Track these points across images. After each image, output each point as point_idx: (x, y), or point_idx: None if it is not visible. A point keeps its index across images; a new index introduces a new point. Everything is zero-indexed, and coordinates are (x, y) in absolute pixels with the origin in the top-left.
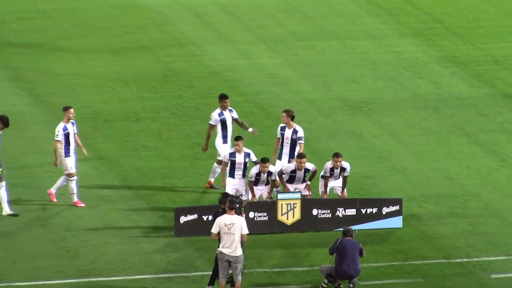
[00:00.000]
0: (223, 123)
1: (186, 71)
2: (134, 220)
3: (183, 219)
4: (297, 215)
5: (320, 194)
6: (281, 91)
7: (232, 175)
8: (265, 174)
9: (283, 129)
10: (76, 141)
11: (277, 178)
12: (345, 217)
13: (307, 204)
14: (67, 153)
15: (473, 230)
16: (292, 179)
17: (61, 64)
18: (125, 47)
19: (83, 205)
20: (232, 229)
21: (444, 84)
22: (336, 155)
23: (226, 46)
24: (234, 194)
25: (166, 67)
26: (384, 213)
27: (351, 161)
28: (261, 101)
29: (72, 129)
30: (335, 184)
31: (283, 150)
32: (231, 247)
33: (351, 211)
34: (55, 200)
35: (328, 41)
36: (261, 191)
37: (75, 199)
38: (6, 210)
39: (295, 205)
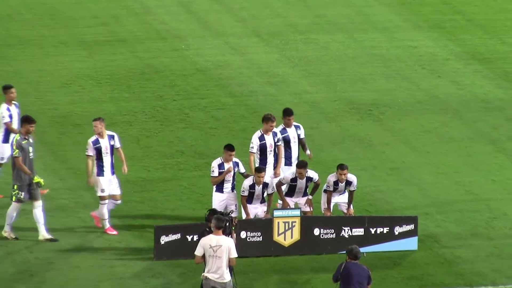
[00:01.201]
0: (286, 142)
1: (168, 68)
2: (108, 240)
3: (164, 239)
4: (296, 235)
5: (323, 211)
6: (278, 91)
7: (219, 189)
8: (260, 186)
9: (262, 138)
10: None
11: (275, 191)
12: (351, 237)
13: (307, 222)
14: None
15: (499, 253)
16: (291, 190)
17: (23, 60)
18: (97, 40)
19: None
20: (218, 251)
21: (466, 85)
22: (341, 167)
23: (215, 40)
24: (222, 211)
25: (145, 64)
26: (396, 233)
27: (358, 173)
28: (254, 103)
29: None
30: (340, 199)
31: (267, 160)
32: (218, 273)
33: (359, 231)
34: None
35: (332, 34)
36: (256, 209)
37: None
38: (44, 234)
39: (293, 224)
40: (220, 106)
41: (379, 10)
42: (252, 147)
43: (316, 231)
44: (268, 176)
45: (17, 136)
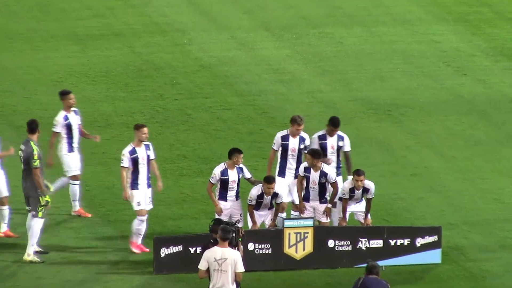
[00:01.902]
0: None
1: (169, 65)
2: (102, 252)
3: (164, 251)
4: (308, 247)
5: (338, 221)
6: (289, 90)
7: (223, 197)
8: (269, 197)
9: (286, 138)
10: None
11: (285, 200)
12: (369, 250)
13: (321, 233)
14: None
15: None
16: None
17: (10, 55)
18: (90, 34)
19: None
20: (223, 265)
21: (494, 83)
22: (357, 173)
23: (220, 34)
24: (228, 221)
25: (143, 60)
26: (418, 245)
27: (376, 179)
28: (263, 103)
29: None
30: (357, 208)
31: (287, 164)
32: None
33: (377, 243)
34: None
35: (348, 27)
36: (263, 216)
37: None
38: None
39: (306, 235)
40: (225, 106)
41: (399, 1)
42: (274, 144)
43: (331, 243)
44: (286, 183)
45: (34, 145)
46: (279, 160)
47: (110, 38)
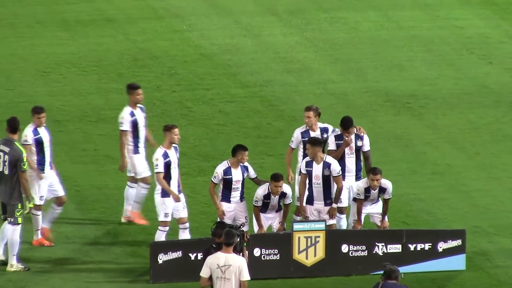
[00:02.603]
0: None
1: (166, 53)
2: (94, 259)
3: (162, 258)
4: (320, 252)
5: (352, 224)
6: (298, 81)
7: (226, 198)
8: (277, 197)
9: (305, 134)
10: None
11: (297, 203)
12: (386, 255)
13: (334, 237)
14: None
15: None
16: (311, 195)
17: None
18: (80, 20)
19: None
20: (227, 272)
21: None
22: (373, 171)
23: (222, 19)
24: (232, 224)
25: (139, 48)
26: (440, 249)
27: (394, 178)
28: (270, 94)
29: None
30: (373, 210)
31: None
32: None
33: (395, 248)
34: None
35: (363, 11)
36: (271, 219)
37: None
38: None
39: (317, 239)
40: (229, 98)
41: None
42: (292, 141)
43: (345, 248)
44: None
45: (19, 145)
46: (301, 158)
47: (102, 24)
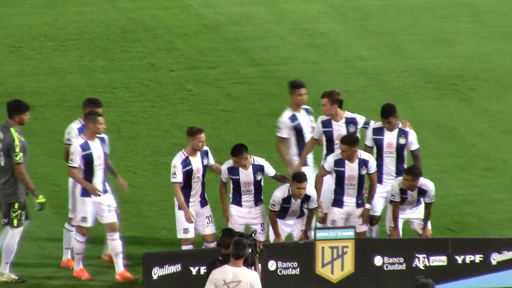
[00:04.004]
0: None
1: (162, 25)
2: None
3: (157, 272)
4: (348, 266)
5: (388, 231)
6: (322, 58)
7: (237, 201)
8: (299, 201)
9: (327, 124)
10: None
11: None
12: (428, 269)
13: (365, 247)
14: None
15: None
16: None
17: None
18: None
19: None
20: None
21: None
22: (412, 171)
23: None
24: (242, 232)
25: (129, 18)
26: (494, 262)
27: (438, 176)
28: (287, 74)
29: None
30: (412, 215)
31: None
32: None
33: (439, 260)
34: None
35: None
36: (291, 227)
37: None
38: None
39: (345, 250)
40: (238, 79)
41: None
42: (314, 132)
43: (378, 260)
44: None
45: (15, 133)
46: (325, 151)
47: None
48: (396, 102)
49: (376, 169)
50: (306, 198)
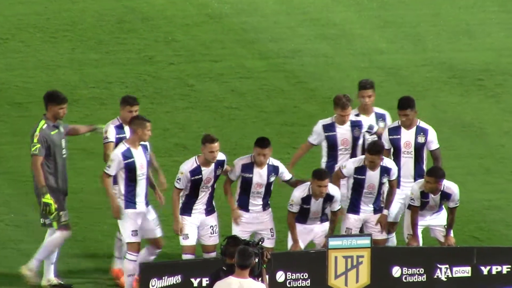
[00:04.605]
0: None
1: (162, 14)
2: (67, 282)
3: (156, 284)
4: (364, 277)
5: (406, 239)
6: (335, 50)
7: (244, 206)
8: (320, 201)
9: (329, 128)
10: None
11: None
12: (451, 280)
13: (383, 257)
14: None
15: None
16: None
17: None
18: None
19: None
20: None
21: None
22: (435, 172)
23: None
24: (248, 240)
25: (125, 7)
26: None
27: (462, 179)
28: (298, 68)
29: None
30: (433, 221)
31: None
32: None
33: (463, 271)
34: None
35: None
36: (312, 233)
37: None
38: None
39: (360, 260)
40: (244, 73)
41: None
42: (311, 135)
43: (396, 271)
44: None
45: (42, 124)
46: (325, 159)
47: None
48: (417, 98)
49: (397, 175)
50: (329, 199)
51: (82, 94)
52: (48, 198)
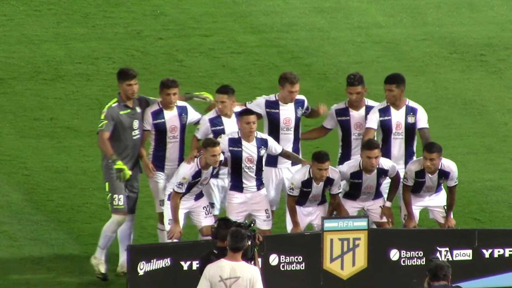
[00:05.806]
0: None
1: None
2: (53, 269)
3: (144, 267)
4: (361, 260)
5: (403, 221)
6: (331, 24)
7: (237, 186)
8: (321, 184)
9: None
10: None
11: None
12: (452, 264)
13: (380, 239)
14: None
15: None
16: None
17: None
18: None
19: None
20: (234, 287)
21: None
22: (429, 148)
23: None
24: (240, 222)
25: None
26: None
27: (463, 158)
28: (292, 43)
29: None
30: (432, 202)
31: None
32: None
33: (464, 254)
34: None
35: None
36: (311, 215)
37: None
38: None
39: (357, 242)
40: (235, 48)
41: None
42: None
43: (394, 254)
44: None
45: (113, 102)
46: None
47: None
48: (415, 74)
49: (397, 171)
50: (329, 182)
51: (68, 70)
52: (120, 164)
